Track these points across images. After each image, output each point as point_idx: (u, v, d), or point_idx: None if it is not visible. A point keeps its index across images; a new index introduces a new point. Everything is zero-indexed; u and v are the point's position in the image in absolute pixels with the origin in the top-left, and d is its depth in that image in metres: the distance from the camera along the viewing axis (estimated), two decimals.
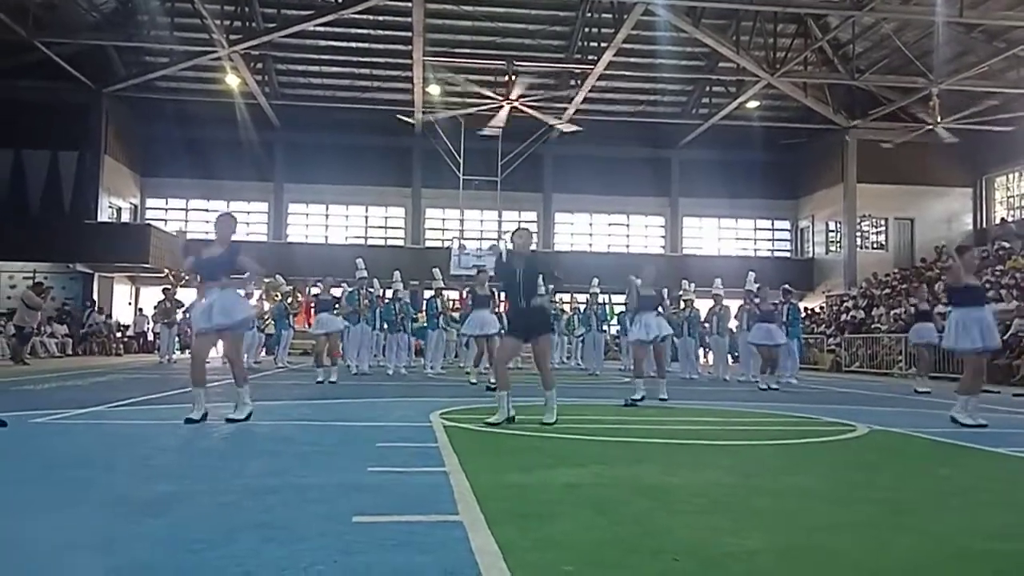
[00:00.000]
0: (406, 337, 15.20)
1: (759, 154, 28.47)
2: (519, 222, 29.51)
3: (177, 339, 19.23)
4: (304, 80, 26.48)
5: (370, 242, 28.79)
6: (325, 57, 25.00)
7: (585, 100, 24.67)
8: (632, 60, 23.72)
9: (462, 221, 29.23)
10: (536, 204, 29.95)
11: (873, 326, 21.58)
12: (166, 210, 28.96)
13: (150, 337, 24.24)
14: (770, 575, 2.64)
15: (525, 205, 29.77)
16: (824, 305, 27.31)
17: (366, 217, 29.97)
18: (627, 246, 30.32)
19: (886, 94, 25.11)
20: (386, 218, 30.12)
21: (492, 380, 10.62)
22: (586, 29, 23.15)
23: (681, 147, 29.10)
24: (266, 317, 18.15)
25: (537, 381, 7.01)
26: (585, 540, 2.93)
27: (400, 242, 29.39)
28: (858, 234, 27.86)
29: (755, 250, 31.19)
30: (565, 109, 24.77)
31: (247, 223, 28.52)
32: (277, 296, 17.73)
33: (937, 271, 22.85)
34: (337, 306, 12.42)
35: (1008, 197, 27.33)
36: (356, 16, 21.72)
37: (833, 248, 28.84)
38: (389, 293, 15.92)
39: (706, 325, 15.61)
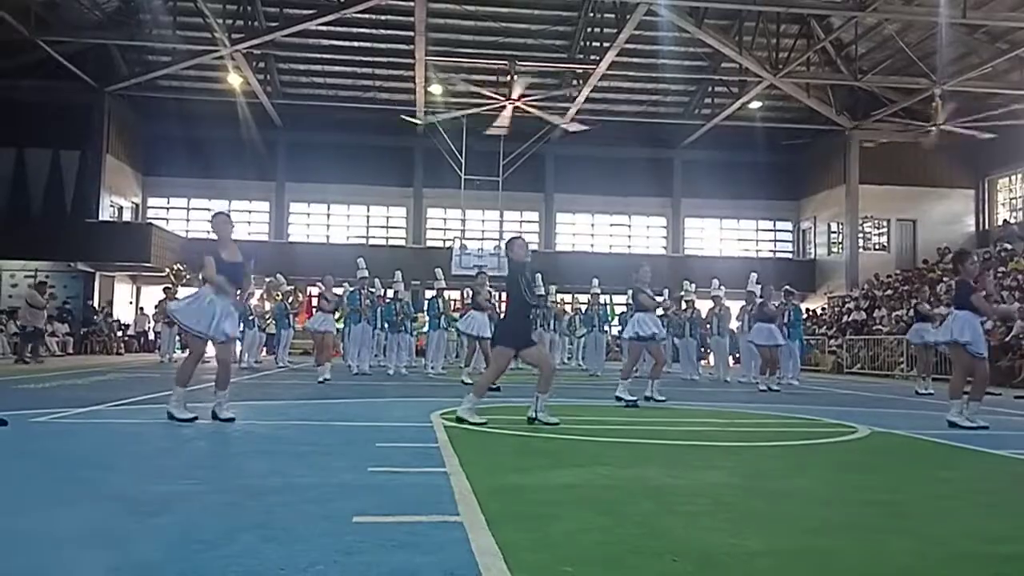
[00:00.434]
0: (407, 337, 15.20)
1: (761, 155, 28.44)
2: (521, 222, 29.64)
3: (178, 338, 19.22)
4: (306, 79, 26.50)
5: (371, 242, 28.81)
6: (327, 56, 25.01)
7: (587, 100, 24.66)
8: (634, 60, 23.71)
9: (463, 221, 29.25)
10: (537, 204, 29.96)
11: (875, 327, 21.57)
12: (167, 209, 28.99)
13: (151, 336, 24.25)
14: None
15: (526, 205, 29.78)
16: (826, 306, 27.29)
17: (367, 217, 29.99)
18: (629, 247, 30.31)
19: (889, 95, 25.08)
20: (387, 218, 30.14)
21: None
22: (588, 29, 23.14)
23: (683, 147, 29.09)
24: (267, 316, 18.15)
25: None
26: (585, 541, 2.93)
27: (401, 242, 29.40)
28: (860, 235, 27.84)
29: (757, 251, 31.18)
30: (567, 109, 24.77)
31: (248, 222, 28.59)
32: (278, 295, 17.76)
33: (939, 273, 22.84)
34: (337, 308, 12.45)
35: (1010, 198, 27.32)
36: (358, 15, 21.72)
37: (835, 249, 28.82)
38: (390, 293, 15.92)
39: (707, 326, 15.60)
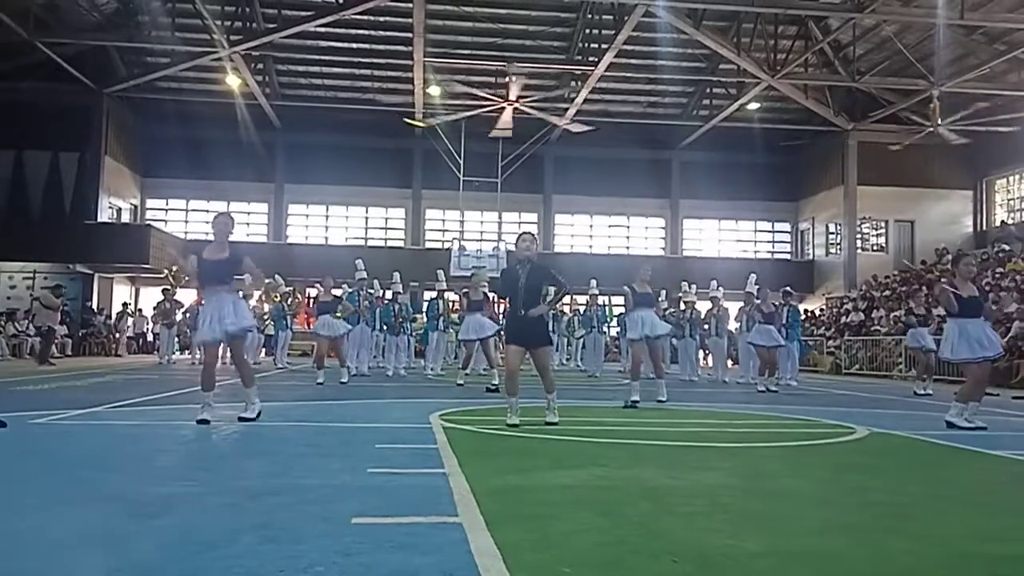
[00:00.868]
0: (406, 338, 15.19)
1: (759, 156, 28.48)
2: (519, 223, 29.61)
3: (176, 340, 19.24)
4: (305, 81, 26.50)
5: (370, 243, 28.82)
6: (326, 58, 25.02)
7: (585, 101, 24.68)
8: (633, 62, 23.75)
9: (462, 222, 29.25)
10: (536, 205, 29.97)
11: (873, 328, 21.59)
12: (166, 211, 28.99)
13: (149, 338, 24.23)
14: None
15: (525, 206, 29.79)
16: (824, 307, 27.32)
17: (366, 218, 30.00)
18: (627, 248, 30.32)
19: (887, 96, 25.13)
20: (386, 219, 30.15)
21: (494, 382, 10.65)
22: (587, 30, 23.16)
23: (681, 148, 29.12)
24: (266, 318, 18.15)
25: (537, 382, 7.02)
26: (584, 541, 2.93)
27: (400, 243, 29.42)
28: (858, 236, 27.87)
29: (755, 252, 31.20)
30: (566, 110, 24.78)
31: (247, 224, 28.57)
32: (276, 297, 17.75)
33: (937, 274, 22.85)
34: (341, 307, 12.37)
35: (1008, 199, 27.35)
36: (357, 17, 21.75)
37: (833, 250, 28.84)
38: (389, 294, 15.91)
39: (706, 327, 15.60)
